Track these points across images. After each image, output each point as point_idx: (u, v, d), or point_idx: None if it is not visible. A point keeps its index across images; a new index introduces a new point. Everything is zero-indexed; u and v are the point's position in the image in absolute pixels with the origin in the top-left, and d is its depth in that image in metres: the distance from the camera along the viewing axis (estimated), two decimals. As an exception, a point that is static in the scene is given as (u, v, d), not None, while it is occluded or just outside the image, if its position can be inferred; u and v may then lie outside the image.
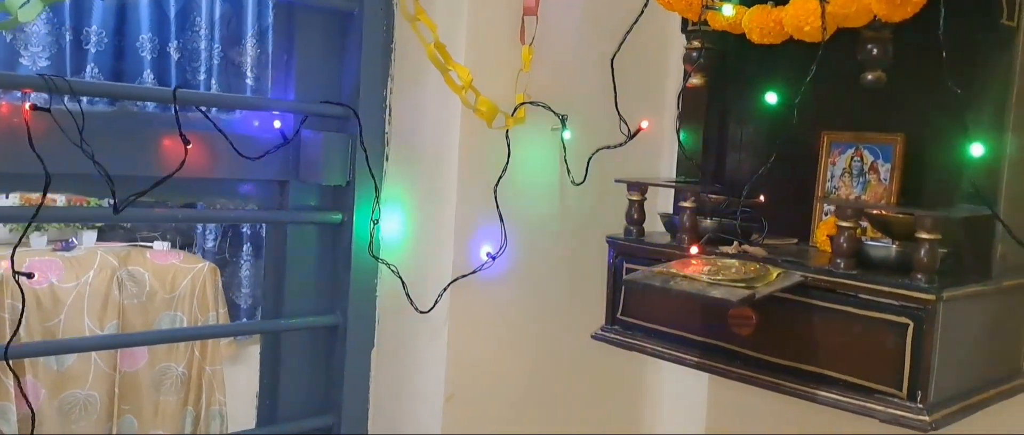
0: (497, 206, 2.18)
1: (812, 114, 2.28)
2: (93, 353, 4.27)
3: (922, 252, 1.67)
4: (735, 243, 2.02)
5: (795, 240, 2.31)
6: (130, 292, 4.61)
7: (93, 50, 4.41)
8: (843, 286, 1.78)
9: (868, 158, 2.21)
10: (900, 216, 1.81)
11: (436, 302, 2.17)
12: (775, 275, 1.84)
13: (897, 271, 1.79)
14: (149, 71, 4.60)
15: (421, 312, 2.20)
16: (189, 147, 1.88)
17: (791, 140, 2.38)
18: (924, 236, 1.66)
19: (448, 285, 2.16)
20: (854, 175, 2.23)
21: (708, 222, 2.18)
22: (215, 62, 4.64)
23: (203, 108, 1.93)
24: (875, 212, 1.83)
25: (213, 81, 4.69)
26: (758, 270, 1.86)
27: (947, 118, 2.05)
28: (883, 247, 1.85)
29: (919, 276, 1.68)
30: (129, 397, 4.64)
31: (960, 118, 1.95)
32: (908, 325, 1.69)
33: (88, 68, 4.42)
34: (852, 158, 2.24)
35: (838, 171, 2.27)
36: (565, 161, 2.28)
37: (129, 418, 4.65)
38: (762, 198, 2.25)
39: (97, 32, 4.43)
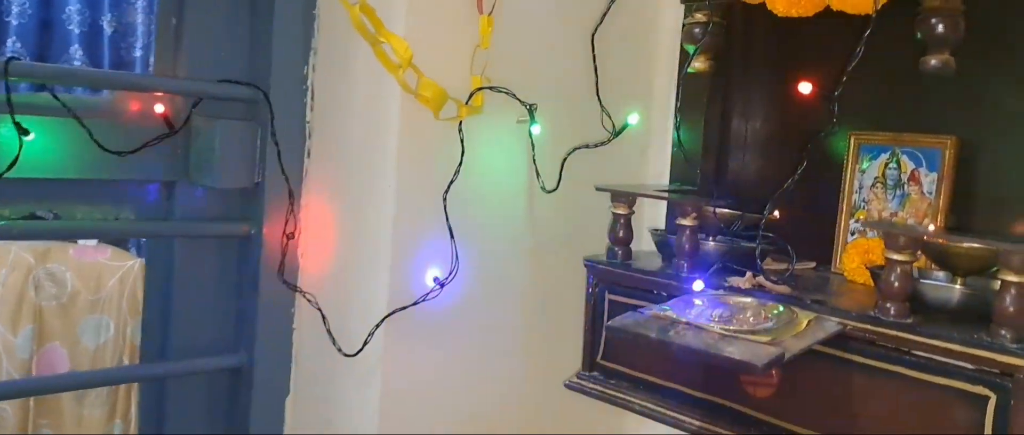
0: (447, 219, 1.75)
1: (836, 110, 1.88)
2: (3, 359, 3.76)
3: (1007, 299, 1.27)
4: (749, 275, 1.61)
5: (813, 264, 1.91)
6: (49, 293, 4.11)
7: (15, 22, 3.93)
8: (896, 340, 1.37)
9: (908, 165, 1.81)
10: (973, 248, 1.40)
11: (366, 342, 1.72)
12: (805, 322, 1.42)
13: (962, 319, 1.39)
14: (77, 46, 4.13)
15: (347, 355, 1.76)
16: (27, 138, 1.42)
17: (809, 139, 1.98)
18: (1011, 278, 1.25)
19: (383, 319, 1.72)
20: (889, 186, 1.84)
21: (711, 244, 1.76)
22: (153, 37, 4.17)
23: (52, 86, 1.46)
24: (941, 242, 1.42)
25: (151, 58, 4.20)
26: (782, 314, 1.45)
27: (1014, 117, 1.66)
28: (942, 286, 1.45)
29: (1003, 332, 1.27)
30: (47, 411, 4.15)
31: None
32: (989, 398, 1.29)
33: (9, 42, 3.92)
34: (887, 165, 1.84)
35: (869, 180, 1.87)
36: (534, 162, 1.85)
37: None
38: (776, 214, 1.84)
39: (20, 2, 3.94)
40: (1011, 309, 1.28)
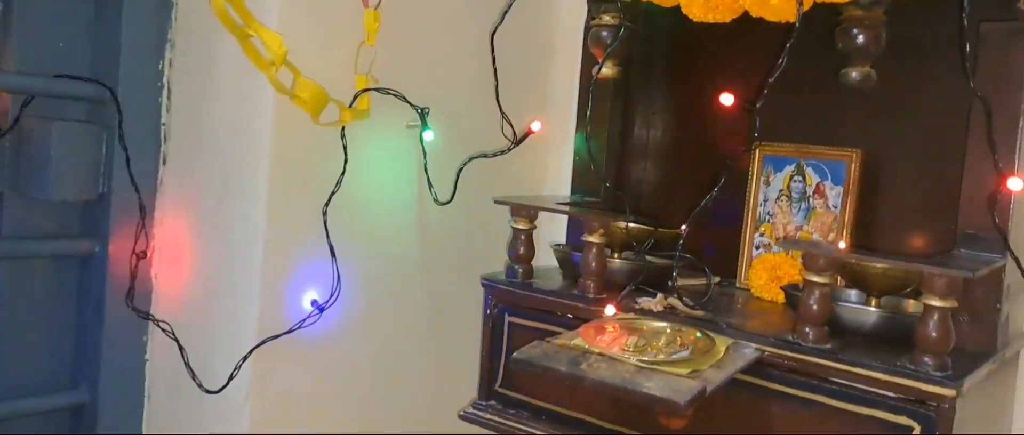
0: (327, 235, 1.57)
1: (740, 120, 1.82)
2: None
3: (930, 325, 1.21)
4: (660, 296, 1.51)
5: (717, 279, 1.84)
6: None
7: None
8: (816, 368, 1.30)
9: (813, 178, 1.77)
10: (891, 268, 1.35)
11: (232, 376, 1.52)
12: (723, 349, 1.33)
13: (881, 344, 1.34)
14: None
15: (210, 392, 1.55)
16: None
17: (717, 151, 1.91)
18: (935, 303, 1.20)
19: (252, 350, 1.52)
20: (794, 199, 1.79)
21: (618, 262, 1.66)
22: None
23: None
24: (864, 264, 1.36)
25: None
26: (700, 342, 1.35)
27: (922, 131, 1.64)
28: (858, 308, 1.39)
29: (926, 359, 1.22)
30: None
31: (944, 132, 1.53)
32: (912, 429, 1.23)
33: None
34: (792, 177, 1.80)
35: (773, 193, 1.81)
36: (426, 172, 1.69)
37: None
38: (684, 229, 1.75)
39: None
40: (934, 335, 1.22)
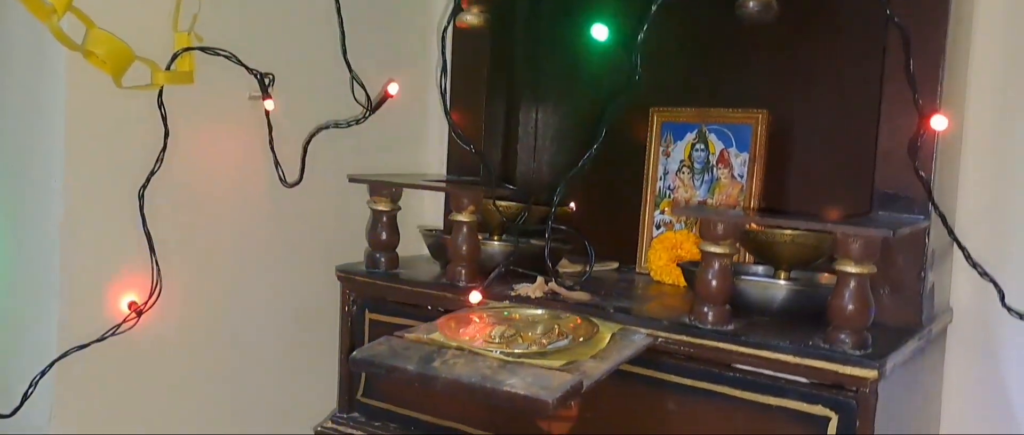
0: (144, 223, 1.32)
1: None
2: None
3: (846, 295, 1.04)
4: (539, 280, 1.30)
5: (615, 264, 1.65)
6: None
7: None
8: (716, 353, 1.11)
9: (716, 145, 1.60)
10: (802, 234, 1.18)
11: (27, 395, 1.26)
12: (607, 337, 1.13)
13: (791, 323, 1.16)
14: None
15: (2, 416, 1.28)
16: None
17: (597, 116, 1.72)
18: (850, 268, 1.02)
19: (52, 364, 1.27)
20: (697, 170, 1.62)
21: (496, 245, 1.45)
22: None
23: None
24: (763, 228, 1.18)
25: None
26: (580, 329, 1.15)
27: (834, 85, 1.48)
28: (764, 282, 1.21)
29: (843, 336, 1.04)
30: None
31: (859, 83, 1.37)
32: (829, 418, 1.05)
33: None
34: (693, 146, 1.62)
35: (674, 165, 1.63)
36: (272, 149, 1.45)
37: None
38: (572, 206, 1.56)
39: None
40: (850, 308, 1.05)
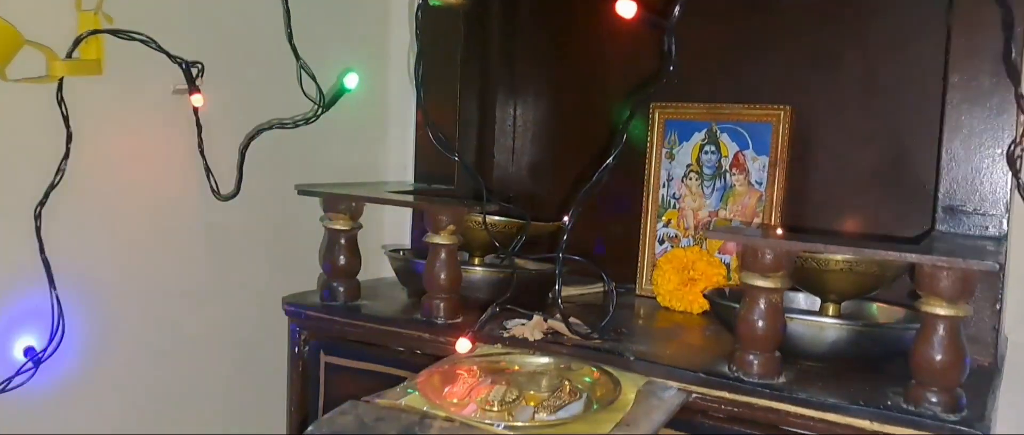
0: (42, 251, 1.06)
1: (630, 74, 1.43)
2: None
3: (935, 344, 0.82)
4: (537, 319, 1.07)
5: (599, 287, 1.43)
6: None
7: None
8: (768, 415, 0.90)
9: (729, 147, 1.39)
10: (861, 262, 0.97)
11: None
12: (632, 396, 0.90)
13: (851, 372, 0.96)
14: None
15: None
16: None
17: (600, 115, 1.50)
18: (940, 310, 0.81)
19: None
20: (706, 176, 1.40)
21: (479, 271, 1.21)
22: None
23: None
24: (828, 257, 0.97)
25: None
26: (597, 382, 0.92)
27: (871, 74, 1.27)
28: (822, 323, 0.99)
29: (932, 396, 0.83)
30: None
31: (904, 68, 1.17)
32: (915, 500, 0.83)
33: None
34: (702, 148, 1.41)
35: (679, 170, 1.42)
36: (202, 154, 1.19)
37: None
38: (565, 221, 1.33)
39: None
40: (940, 359, 0.84)
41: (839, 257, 0.99)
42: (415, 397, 0.90)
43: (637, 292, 1.43)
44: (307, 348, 1.21)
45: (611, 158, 0.93)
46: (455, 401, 0.90)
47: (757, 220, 1.36)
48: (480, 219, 1.24)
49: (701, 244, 1.40)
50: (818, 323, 0.97)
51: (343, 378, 1.18)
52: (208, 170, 1.24)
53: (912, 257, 0.85)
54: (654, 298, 1.38)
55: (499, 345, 1.07)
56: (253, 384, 1.34)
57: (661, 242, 1.44)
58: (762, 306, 0.93)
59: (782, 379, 0.94)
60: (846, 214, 1.32)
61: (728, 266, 1.35)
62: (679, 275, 1.32)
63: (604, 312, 1.04)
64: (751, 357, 0.94)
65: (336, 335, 1.19)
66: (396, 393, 0.91)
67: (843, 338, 0.96)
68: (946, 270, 0.83)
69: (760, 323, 0.93)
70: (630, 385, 0.94)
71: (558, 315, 1.07)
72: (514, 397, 0.88)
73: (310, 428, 0.84)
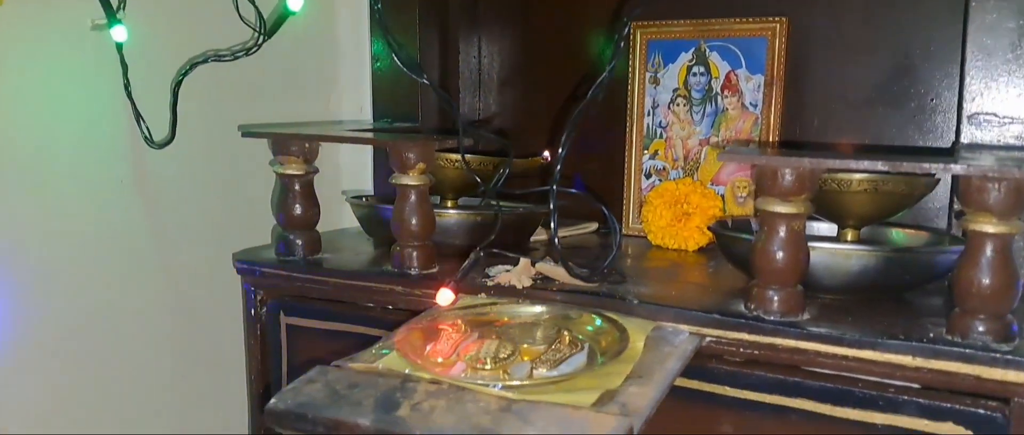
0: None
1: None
2: None
3: (983, 265, 0.73)
4: (523, 263, 0.96)
5: (594, 226, 1.34)
6: None
7: None
8: (793, 355, 0.80)
9: (720, 67, 1.28)
10: (889, 179, 0.87)
11: None
12: (641, 343, 0.80)
13: (871, 299, 0.87)
14: None
15: None
16: None
17: (580, 35, 1.38)
18: (987, 228, 0.72)
19: None
20: (695, 101, 1.30)
21: (453, 214, 1.09)
22: None
23: None
24: (858, 175, 0.87)
25: None
26: (601, 331, 0.82)
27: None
28: (830, 249, 0.90)
29: (979, 325, 0.74)
30: None
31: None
32: (966, 444, 0.75)
33: None
34: (690, 69, 1.30)
35: (665, 95, 1.31)
36: (129, 96, 1.05)
37: None
38: (546, 156, 1.22)
39: None
40: (988, 283, 0.74)
41: (862, 176, 0.89)
42: (393, 358, 0.79)
43: (623, 231, 1.33)
44: (264, 310, 1.09)
45: (607, 69, 0.80)
46: (440, 360, 0.79)
47: (752, 146, 1.26)
48: (451, 157, 1.11)
49: (692, 175, 1.29)
50: (844, 251, 0.87)
51: (308, 341, 1.06)
52: (138, 115, 1.09)
53: (958, 168, 0.75)
54: (643, 237, 1.27)
55: (483, 295, 0.95)
56: (206, 354, 1.21)
57: (648, 176, 1.33)
58: (782, 235, 0.82)
59: (806, 315, 0.84)
60: (849, 134, 1.22)
61: (722, 198, 1.25)
62: (672, 210, 1.22)
63: (606, 252, 0.92)
64: (771, 293, 0.84)
65: (297, 293, 1.07)
66: (370, 355, 0.80)
67: (872, 266, 0.86)
68: (997, 182, 0.73)
69: (780, 254, 0.82)
70: (637, 332, 0.83)
71: (548, 259, 0.95)
72: (508, 353, 0.77)
73: (273, 401, 0.72)
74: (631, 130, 1.33)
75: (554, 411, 0.69)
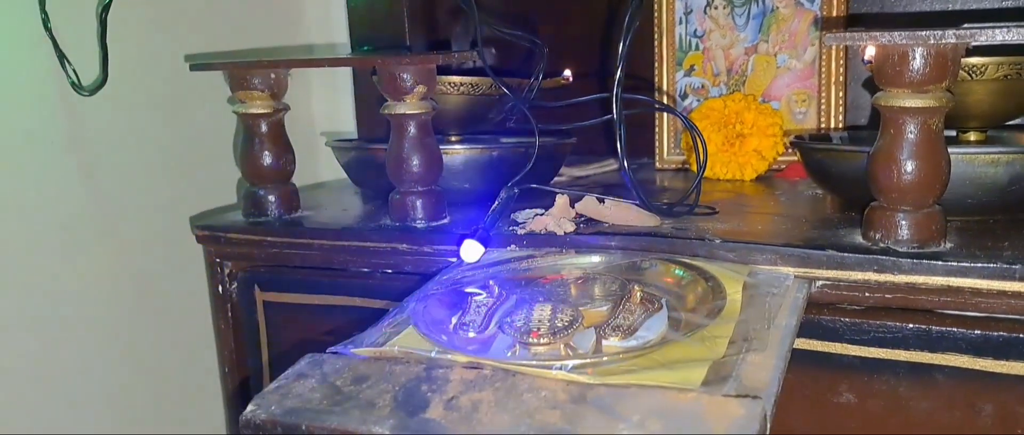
0: None
1: None
2: None
3: None
4: (560, 200, 0.75)
5: (611, 164, 1.13)
6: None
7: None
8: (933, 299, 0.59)
9: (763, -37, 1.07)
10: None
11: None
12: (738, 293, 0.59)
13: (1012, 220, 0.67)
14: None
15: None
16: None
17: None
18: None
19: None
20: (735, 1, 1.08)
21: (460, 150, 0.88)
22: None
23: None
24: (992, 59, 0.66)
25: None
26: (684, 283, 0.61)
27: None
28: (990, 154, 0.69)
29: None
30: None
31: None
32: None
33: None
34: (726, -32, 1.09)
35: (699, 1, 1.09)
36: (50, 35, 0.82)
37: None
38: (567, 75, 1.00)
39: None
40: None
41: (1001, 59, 0.68)
42: (410, 335, 0.58)
43: (656, 165, 1.12)
44: (235, 285, 0.87)
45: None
46: (472, 335, 0.58)
47: (808, 54, 1.05)
48: (453, 79, 0.90)
49: (739, 89, 1.09)
50: (989, 157, 0.67)
51: (292, 320, 0.85)
52: (62, 55, 0.86)
53: None
54: (685, 169, 1.07)
55: (513, 247, 0.74)
56: (170, 343, 0.99)
57: (684, 97, 1.12)
58: (913, 137, 0.62)
59: (949, 244, 0.64)
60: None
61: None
62: (722, 132, 1.01)
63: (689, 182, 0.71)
64: (901, 217, 0.63)
65: (273, 262, 0.85)
66: (379, 334, 0.59)
67: (982, 173, 0.66)
68: None
69: (913, 164, 0.62)
70: (730, 280, 0.63)
71: (588, 196, 0.74)
72: (568, 319, 0.56)
73: (251, 407, 0.51)
74: (660, 43, 1.12)
75: (652, 397, 0.48)
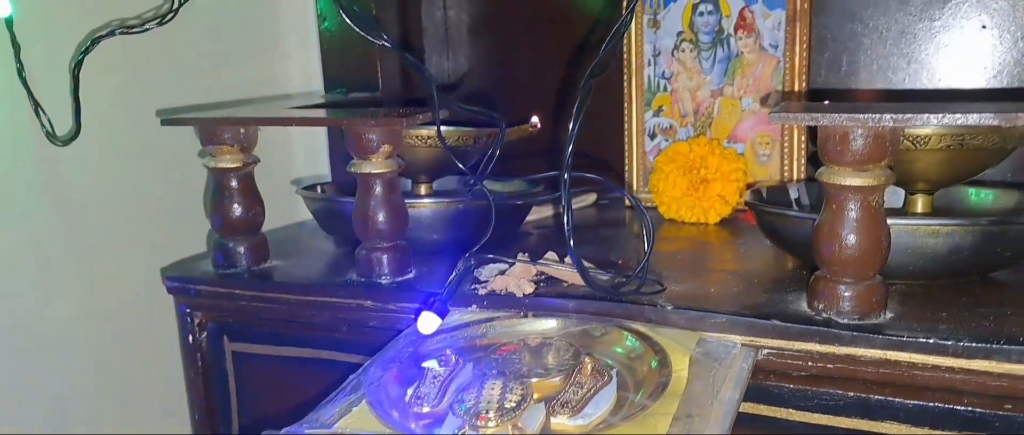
0: None
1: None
2: None
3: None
4: (520, 261, 0.77)
5: (593, 197, 1.15)
6: None
7: None
8: (876, 371, 0.62)
9: (731, 3, 1.08)
10: (974, 132, 0.69)
11: None
12: (685, 368, 0.62)
13: (955, 285, 0.71)
14: None
15: None
16: None
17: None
18: None
19: None
20: (703, 45, 1.10)
21: (427, 203, 0.89)
22: None
23: None
24: (936, 131, 0.68)
25: None
26: (634, 356, 0.64)
27: None
28: (932, 226, 0.71)
29: None
30: None
31: None
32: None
33: None
34: (696, 7, 1.10)
35: (668, 41, 1.11)
36: (25, 85, 0.83)
37: None
38: (535, 122, 1.02)
39: None
40: None
41: (945, 131, 0.70)
42: (362, 412, 0.60)
43: (626, 203, 1.14)
44: (204, 335, 0.89)
45: (627, 11, 0.60)
46: (426, 410, 0.60)
47: (773, 97, 1.07)
48: (421, 133, 0.91)
49: (705, 133, 1.10)
50: (930, 228, 0.69)
51: (260, 370, 0.87)
52: (37, 105, 0.88)
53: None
54: (652, 208, 1.09)
55: (474, 307, 0.76)
56: (142, 385, 1.01)
57: (652, 136, 1.14)
58: (854, 214, 0.64)
59: (889, 314, 0.66)
60: (888, 76, 1.03)
61: (743, 158, 1.06)
62: (686, 176, 1.03)
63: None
64: (843, 288, 0.65)
65: (242, 314, 0.87)
66: (334, 410, 0.60)
67: (967, 244, 0.68)
68: None
69: (854, 239, 0.64)
70: (678, 352, 0.65)
71: (550, 255, 0.76)
72: (516, 399, 0.58)
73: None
74: (629, 84, 1.14)
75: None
